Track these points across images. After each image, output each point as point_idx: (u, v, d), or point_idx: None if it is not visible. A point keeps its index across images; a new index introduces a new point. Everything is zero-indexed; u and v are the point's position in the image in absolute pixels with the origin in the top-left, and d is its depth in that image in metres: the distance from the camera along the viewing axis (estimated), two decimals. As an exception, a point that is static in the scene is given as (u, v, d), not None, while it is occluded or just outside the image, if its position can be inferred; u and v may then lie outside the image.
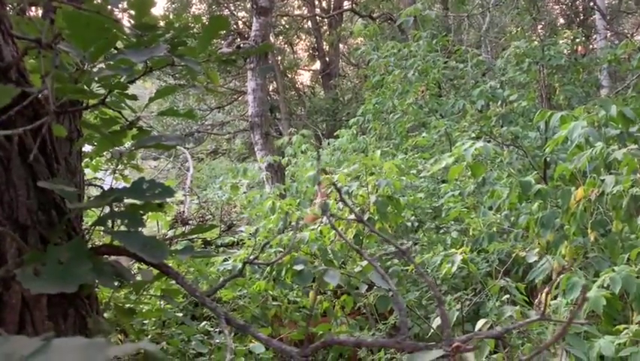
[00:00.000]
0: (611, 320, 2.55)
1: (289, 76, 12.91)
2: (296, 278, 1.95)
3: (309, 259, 3.37)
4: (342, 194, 3.53)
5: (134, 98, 1.96)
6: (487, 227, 3.70)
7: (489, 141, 3.80)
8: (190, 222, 3.93)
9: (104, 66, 1.38)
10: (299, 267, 2.06)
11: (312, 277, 2.08)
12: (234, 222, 5.59)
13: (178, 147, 9.92)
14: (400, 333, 0.73)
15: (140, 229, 1.05)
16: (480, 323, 2.13)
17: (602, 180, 3.05)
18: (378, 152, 3.66)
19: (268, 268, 3.76)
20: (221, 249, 5.12)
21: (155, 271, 1.31)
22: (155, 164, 12.33)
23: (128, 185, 1.24)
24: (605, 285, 2.49)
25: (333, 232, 3.73)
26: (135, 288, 1.27)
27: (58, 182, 1.06)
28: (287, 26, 13.32)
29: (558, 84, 6.16)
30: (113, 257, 1.19)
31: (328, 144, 7.55)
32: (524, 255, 2.45)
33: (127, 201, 1.22)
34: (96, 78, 1.39)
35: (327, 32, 13.23)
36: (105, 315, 3.83)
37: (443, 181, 5.40)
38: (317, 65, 14.62)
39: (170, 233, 3.83)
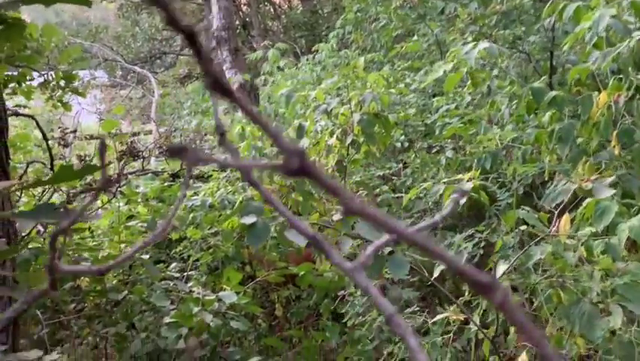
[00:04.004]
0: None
1: (263, -11, 11.83)
2: (247, 236, 1.44)
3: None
4: (320, 113, 2.97)
5: None
6: (486, 144, 3.21)
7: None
8: (143, 153, 3.38)
9: None
10: (249, 219, 1.50)
11: (268, 233, 1.56)
12: (205, 152, 5.03)
13: (143, 72, 9.12)
14: None
15: None
16: (500, 267, 1.66)
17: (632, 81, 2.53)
18: (362, 60, 3.08)
19: (240, 200, 3.28)
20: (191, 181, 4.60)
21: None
22: (125, 93, 11.53)
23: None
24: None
25: (313, 157, 3.21)
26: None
27: None
28: None
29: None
30: None
31: (307, 60, 6.87)
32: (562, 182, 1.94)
33: None
34: None
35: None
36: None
37: (434, 95, 4.85)
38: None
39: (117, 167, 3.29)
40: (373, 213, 0.32)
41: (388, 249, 1.33)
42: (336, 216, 1.41)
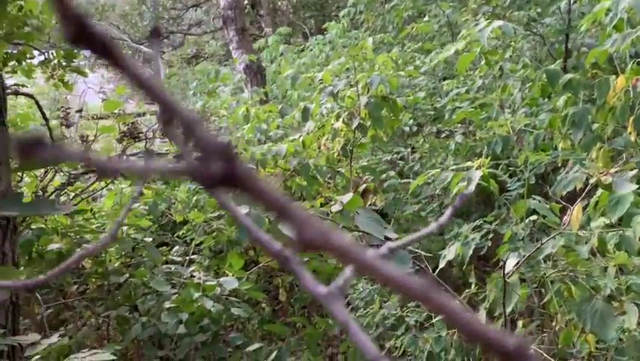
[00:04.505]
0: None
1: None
2: (238, 229, 1.37)
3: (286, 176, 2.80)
4: (326, 95, 2.89)
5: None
6: (497, 129, 3.10)
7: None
8: (146, 135, 3.31)
9: None
10: (242, 209, 1.47)
11: (261, 226, 1.51)
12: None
13: (149, 52, 9.01)
14: None
15: None
16: (511, 260, 1.58)
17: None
18: (370, 40, 2.97)
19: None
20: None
21: None
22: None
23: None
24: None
25: (317, 141, 3.13)
26: None
27: None
28: None
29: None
30: None
31: (316, 40, 6.74)
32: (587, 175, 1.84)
33: None
34: None
35: None
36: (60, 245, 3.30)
37: (444, 78, 4.73)
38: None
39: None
40: (335, 241, 0.24)
41: (390, 243, 1.26)
42: (335, 207, 1.33)
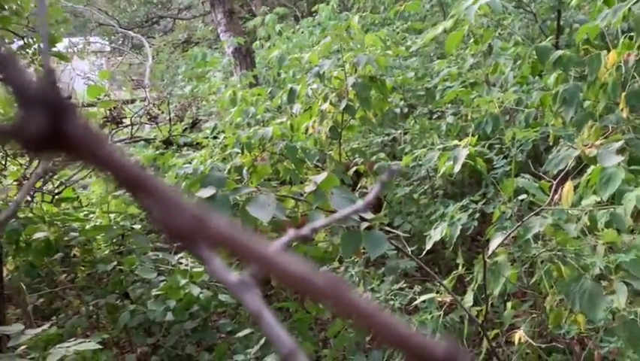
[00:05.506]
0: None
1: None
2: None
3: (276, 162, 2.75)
4: (313, 76, 2.82)
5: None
6: (488, 107, 3.05)
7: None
8: (129, 120, 3.25)
9: None
10: (206, 192, 1.39)
11: (228, 208, 1.43)
12: (200, 118, 4.88)
13: (137, 37, 8.89)
14: None
15: None
16: (496, 241, 1.54)
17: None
18: (356, 18, 2.89)
19: (229, 168, 3.16)
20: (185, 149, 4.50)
21: None
22: (124, 59, 11.29)
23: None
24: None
25: (306, 123, 3.08)
26: None
27: None
28: None
29: None
30: None
31: (307, 21, 6.64)
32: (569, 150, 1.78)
33: None
34: None
35: None
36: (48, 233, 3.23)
37: (437, 58, 4.66)
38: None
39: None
40: (216, 230, 0.19)
41: (365, 224, 1.20)
42: (309, 188, 1.27)
